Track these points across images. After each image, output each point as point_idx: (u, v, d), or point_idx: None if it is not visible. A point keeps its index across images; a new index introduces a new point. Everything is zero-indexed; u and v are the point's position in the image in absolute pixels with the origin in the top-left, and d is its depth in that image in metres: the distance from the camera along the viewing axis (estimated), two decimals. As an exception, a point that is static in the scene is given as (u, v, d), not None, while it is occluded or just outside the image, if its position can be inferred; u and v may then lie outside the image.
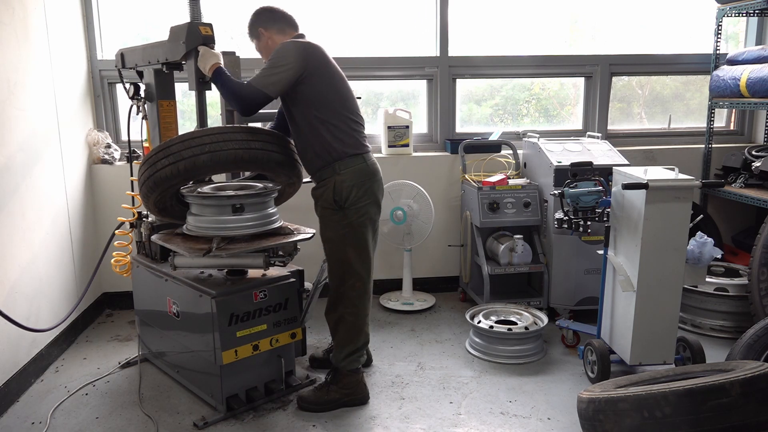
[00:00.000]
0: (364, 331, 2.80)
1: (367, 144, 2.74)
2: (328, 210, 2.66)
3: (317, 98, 2.58)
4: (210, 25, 2.70)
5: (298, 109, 2.62)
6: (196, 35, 2.65)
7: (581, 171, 3.22)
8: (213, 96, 2.94)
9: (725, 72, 4.05)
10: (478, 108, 4.53)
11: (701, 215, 2.99)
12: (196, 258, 2.63)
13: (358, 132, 2.70)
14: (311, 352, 3.24)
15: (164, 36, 2.81)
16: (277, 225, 2.73)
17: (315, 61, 2.58)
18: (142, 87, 3.10)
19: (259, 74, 2.54)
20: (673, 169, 2.81)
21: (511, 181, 3.84)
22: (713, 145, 4.37)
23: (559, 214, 3.05)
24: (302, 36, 2.74)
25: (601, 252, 3.05)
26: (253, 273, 2.83)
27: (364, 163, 2.66)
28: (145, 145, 3.19)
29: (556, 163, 3.57)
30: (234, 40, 4.06)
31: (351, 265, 2.69)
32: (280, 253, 2.76)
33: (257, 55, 3.98)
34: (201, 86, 2.74)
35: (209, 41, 2.68)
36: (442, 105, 4.27)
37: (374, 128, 4.16)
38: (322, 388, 2.79)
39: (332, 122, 2.61)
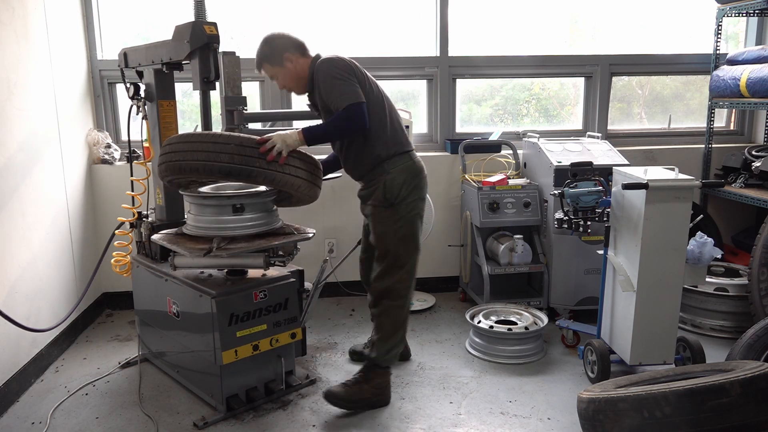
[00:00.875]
0: (405, 326, 2.82)
1: (411, 142, 2.80)
2: (379, 208, 2.71)
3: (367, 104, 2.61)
4: (215, 24, 2.70)
5: None
6: (200, 34, 2.65)
7: (581, 171, 3.22)
8: (213, 96, 2.94)
9: (725, 72, 4.05)
10: (478, 108, 4.53)
11: (701, 215, 2.99)
12: (196, 258, 2.63)
13: (402, 132, 2.76)
14: (351, 345, 3.31)
15: (164, 36, 2.81)
16: (277, 225, 2.73)
17: (359, 71, 2.65)
18: (142, 87, 3.10)
19: (338, 94, 2.53)
20: (673, 169, 2.81)
21: (511, 181, 3.84)
22: (713, 145, 4.37)
23: (559, 214, 3.05)
24: (319, 55, 2.71)
25: (601, 252, 3.05)
26: (253, 273, 2.83)
27: (411, 161, 2.74)
28: (145, 145, 3.19)
29: (556, 163, 3.57)
30: (234, 40, 4.06)
31: (400, 258, 2.73)
32: (280, 253, 2.76)
33: (257, 55, 4.02)
34: (205, 86, 2.74)
35: (214, 40, 2.68)
36: (442, 105, 4.27)
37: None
38: (354, 385, 2.76)
39: (379, 126, 2.66)
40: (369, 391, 2.76)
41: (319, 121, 2.77)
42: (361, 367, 2.84)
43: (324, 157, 2.97)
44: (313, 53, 2.73)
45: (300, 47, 2.70)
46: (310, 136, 2.53)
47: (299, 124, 3.96)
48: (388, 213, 2.71)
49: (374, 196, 2.72)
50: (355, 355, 3.26)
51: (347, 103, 2.51)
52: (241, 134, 2.57)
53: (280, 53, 2.67)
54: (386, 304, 2.77)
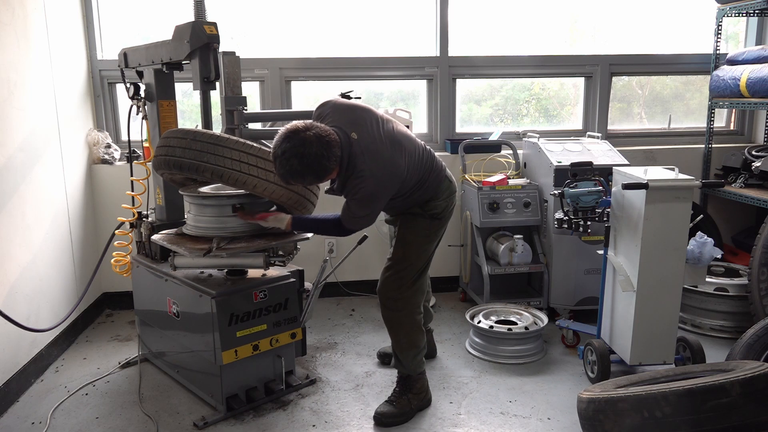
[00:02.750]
0: (421, 330, 2.77)
1: (440, 162, 2.67)
2: (421, 217, 2.63)
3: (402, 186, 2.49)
4: (215, 24, 2.70)
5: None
6: (200, 34, 2.65)
7: (581, 171, 3.22)
8: (213, 96, 2.95)
9: (725, 72, 4.05)
10: (478, 108, 4.53)
11: (701, 215, 2.99)
12: (196, 258, 2.63)
13: (433, 167, 2.61)
14: (380, 348, 3.29)
15: (164, 36, 2.81)
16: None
17: (398, 178, 2.43)
18: (142, 87, 3.10)
19: (354, 211, 2.40)
20: (673, 169, 2.81)
21: (511, 181, 3.84)
22: (713, 145, 4.37)
23: (559, 214, 3.05)
24: (346, 133, 2.37)
25: (601, 252, 3.05)
26: (253, 273, 2.83)
27: (449, 182, 2.68)
28: (145, 145, 3.19)
29: (556, 163, 3.57)
30: (234, 40, 4.06)
31: (413, 266, 2.66)
32: (280, 253, 2.76)
33: (257, 55, 4.03)
34: (205, 86, 2.74)
35: (214, 40, 2.68)
36: (442, 105, 4.27)
37: (374, 128, 4.16)
38: (400, 399, 2.72)
39: (414, 180, 2.53)
40: (415, 399, 2.74)
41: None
42: (397, 381, 2.80)
43: None
44: (341, 129, 2.37)
45: (338, 159, 2.32)
46: (297, 226, 2.58)
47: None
48: (426, 224, 2.63)
49: (413, 208, 2.63)
50: (385, 358, 3.21)
51: (349, 226, 2.46)
52: (200, 130, 2.51)
53: (329, 173, 2.35)
54: (405, 312, 2.69)
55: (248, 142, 2.46)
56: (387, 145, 2.41)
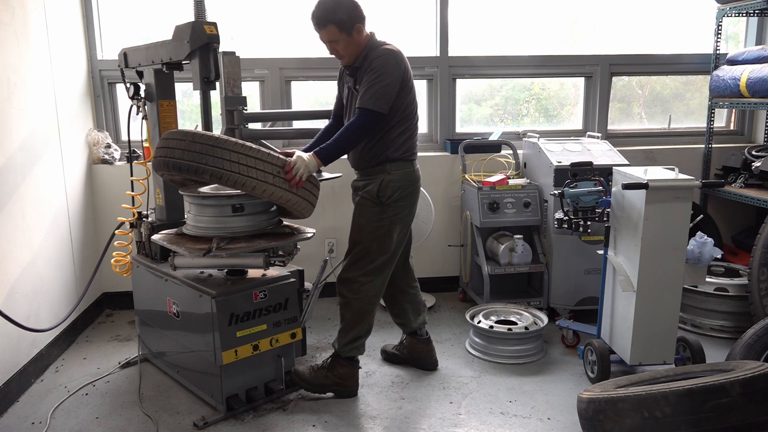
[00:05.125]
0: (368, 321, 2.86)
1: (414, 150, 2.83)
2: (369, 202, 2.76)
3: (395, 106, 2.66)
4: (215, 24, 2.70)
5: None
6: (200, 34, 2.65)
7: (581, 171, 3.22)
8: (213, 96, 2.95)
9: (725, 72, 4.05)
10: (478, 108, 4.53)
11: (701, 215, 2.99)
12: (196, 258, 2.63)
13: (414, 139, 2.81)
14: (382, 345, 3.33)
15: (164, 36, 2.81)
16: (277, 225, 2.73)
17: (408, 74, 2.70)
18: (142, 87, 3.10)
19: (373, 92, 2.57)
20: (673, 169, 2.81)
21: (511, 181, 3.84)
22: (713, 145, 4.37)
23: (559, 214, 3.05)
24: (374, 35, 2.73)
25: (601, 252, 3.05)
26: (252, 273, 2.83)
27: (412, 169, 2.80)
28: (145, 145, 3.19)
29: (556, 163, 3.57)
30: (234, 40, 4.06)
31: (369, 253, 2.77)
32: (280, 253, 2.76)
33: (257, 55, 4.03)
34: (205, 86, 2.74)
35: (214, 40, 2.68)
36: (442, 105, 4.27)
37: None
38: (319, 371, 2.86)
39: (398, 128, 2.72)
40: (331, 379, 2.84)
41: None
42: (330, 355, 2.91)
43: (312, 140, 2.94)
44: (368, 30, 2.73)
45: (365, 21, 2.68)
46: (324, 158, 2.56)
47: (298, 125, 3.99)
48: (375, 210, 2.75)
49: (367, 189, 2.76)
50: (384, 354, 3.28)
51: (372, 107, 2.57)
52: (199, 131, 2.50)
53: (353, 22, 2.62)
54: (349, 296, 2.81)
55: (247, 143, 2.46)
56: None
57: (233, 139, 2.43)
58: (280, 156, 2.49)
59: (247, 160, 2.40)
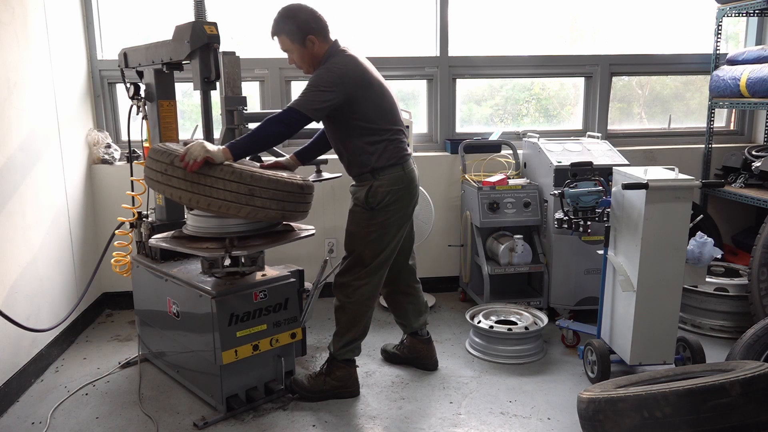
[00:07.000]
0: (363, 323, 2.85)
1: (407, 150, 2.77)
2: (359, 208, 2.74)
3: (359, 116, 2.60)
4: (215, 24, 2.69)
5: (340, 124, 2.66)
6: (200, 34, 2.65)
7: (581, 171, 3.22)
8: (213, 96, 2.94)
9: (725, 72, 4.05)
10: (478, 108, 4.53)
11: (701, 215, 2.99)
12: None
13: (398, 141, 2.72)
14: (382, 345, 3.34)
15: (164, 36, 2.81)
16: (276, 225, 2.72)
17: (356, 83, 2.57)
18: (142, 87, 3.10)
19: (304, 96, 2.49)
20: (673, 169, 2.81)
21: (511, 181, 3.84)
22: (713, 145, 4.37)
23: (559, 214, 3.05)
24: (337, 43, 2.67)
25: (601, 252, 3.05)
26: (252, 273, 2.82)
27: (402, 171, 2.72)
28: (145, 145, 3.19)
29: (556, 163, 3.57)
30: (234, 40, 4.06)
31: (362, 259, 2.76)
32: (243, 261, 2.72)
33: (257, 56, 4.03)
34: (206, 86, 2.74)
35: (214, 40, 2.68)
36: (442, 105, 4.27)
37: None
38: (317, 377, 2.85)
39: (371, 136, 2.65)
40: (330, 384, 2.84)
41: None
42: (326, 360, 2.91)
43: (308, 141, 2.94)
44: (333, 37, 2.67)
45: (323, 31, 2.62)
46: (236, 151, 2.40)
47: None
48: (365, 216, 2.73)
49: (357, 195, 2.75)
50: (385, 354, 3.29)
51: (296, 107, 2.46)
52: (169, 150, 2.39)
53: (305, 33, 2.58)
54: (343, 300, 2.82)
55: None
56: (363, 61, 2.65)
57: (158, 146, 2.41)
58: (174, 149, 2.34)
59: (151, 163, 2.40)
